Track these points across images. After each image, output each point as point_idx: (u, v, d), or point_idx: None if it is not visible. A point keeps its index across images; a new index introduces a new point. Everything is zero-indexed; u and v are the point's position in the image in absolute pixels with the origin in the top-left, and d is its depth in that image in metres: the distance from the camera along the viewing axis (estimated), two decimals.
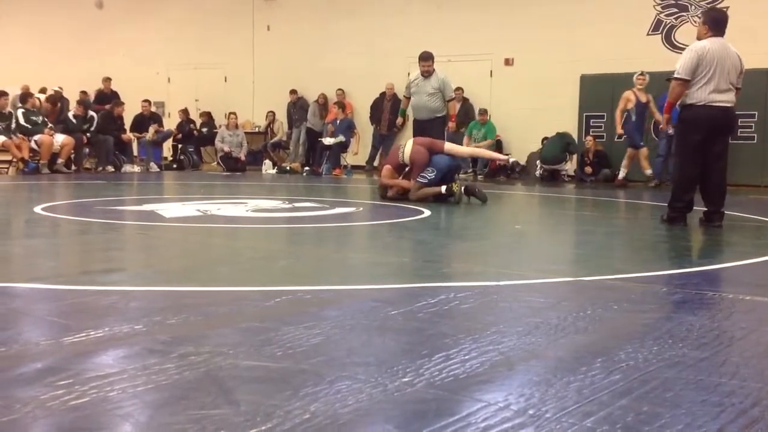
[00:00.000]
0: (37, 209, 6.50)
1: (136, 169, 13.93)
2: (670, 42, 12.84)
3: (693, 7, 12.68)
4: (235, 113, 15.44)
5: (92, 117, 13.62)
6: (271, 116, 16.27)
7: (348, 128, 14.15)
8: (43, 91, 15.60)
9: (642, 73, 11.39)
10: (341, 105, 14.35)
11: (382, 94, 14.80)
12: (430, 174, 7.81)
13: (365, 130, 15.08)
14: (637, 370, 2.11)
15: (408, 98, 9.38)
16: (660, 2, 13.03)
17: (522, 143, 14.02)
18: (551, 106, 13.56)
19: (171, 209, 6.81)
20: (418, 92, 9.10)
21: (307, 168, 14.41)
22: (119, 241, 5.22)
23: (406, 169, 8.04)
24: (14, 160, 12.33)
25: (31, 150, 12.33)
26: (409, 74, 10.34)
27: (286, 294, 3.11)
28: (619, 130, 11.58)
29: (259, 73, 16.81)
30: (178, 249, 4.76)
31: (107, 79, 15.67)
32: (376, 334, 2.48)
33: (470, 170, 13.31)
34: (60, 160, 12.57)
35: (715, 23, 5.92)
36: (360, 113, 15.32)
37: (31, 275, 3.63)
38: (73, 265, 4.11)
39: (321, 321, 2.60)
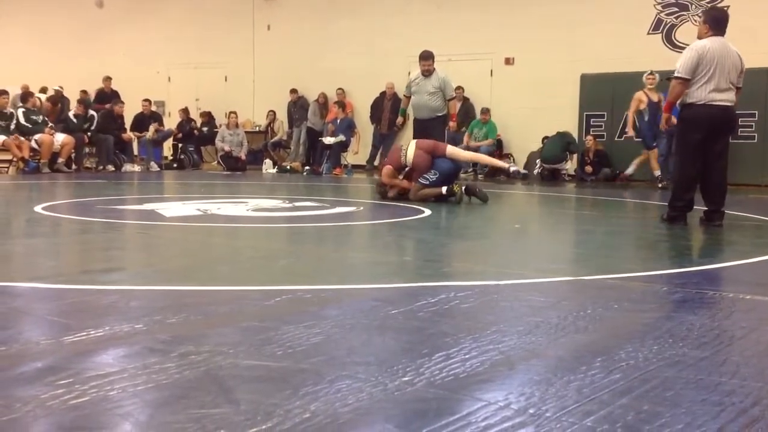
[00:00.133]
0: (38, 208, 6.50)
1: (137, 168, 13.94)
2: (670, 41, 12.84)
3: (693, 6, 12.68)
4: (235, 112, 15.45)
5: (92, 116, 13.62)
6: (272, 115, 16.27)
7: (348, 127, 14.15)
8: (43, 90, 15.61)
9: (651, 73, 11.35)
10: (341, 104, 14.35)
11: (383, 94, 14.80)
12: (432, 177, 7.82)
13: (365, 129, 15.08)
14: (637, 369, 2.11)
15: (408, 97, 9.37)
16: (660, 1, 13.03)
17: (522, 143, 14.03)
18: (551, 106, 13.55)
19: (171, 208, 6.82)
20: (419, 91, 9.09)
21: (307, 167, 14.41)
22: (119, 240, 5.22)
23: (406, 169, 8.03)
24: (14, 159, 12.33)
25: (32, 149, 12.33)
26: (409, 73, 10.34)
27: (287, 293, 3.11)
28: (631, 132, 11.54)
29: (260, 73, 16.81)
30: (179, 248, 4.76)
31: (107, 79, 15.67)
32: (377, 333, 2.48)
33: (470, 170, 13.31)
34: (60, 160, 12.57)
35: (716, 22, 5.92)
36: (360, 113, 15.33)
37: (32, 274, 3.64)
38: (74, 264, 4.11)
39: (321, 320, 2.60)
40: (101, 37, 18.00)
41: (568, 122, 13.43)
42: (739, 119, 10.90)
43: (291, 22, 16.26)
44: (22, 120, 12.41)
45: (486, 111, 13.69)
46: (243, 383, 1.93)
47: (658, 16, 13.02)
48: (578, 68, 13.25)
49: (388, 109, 14.48)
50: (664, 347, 2.35)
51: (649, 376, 2.05)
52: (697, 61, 5.78)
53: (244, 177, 13.03)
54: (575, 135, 13.30)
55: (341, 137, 13.88)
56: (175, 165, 15.20)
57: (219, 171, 14.52)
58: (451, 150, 8.11)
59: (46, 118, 13.12)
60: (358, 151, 14.70)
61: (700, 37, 5.98)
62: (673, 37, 12.84)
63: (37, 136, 12.30)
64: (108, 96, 15.13)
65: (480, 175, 13.28)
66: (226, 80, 17.19)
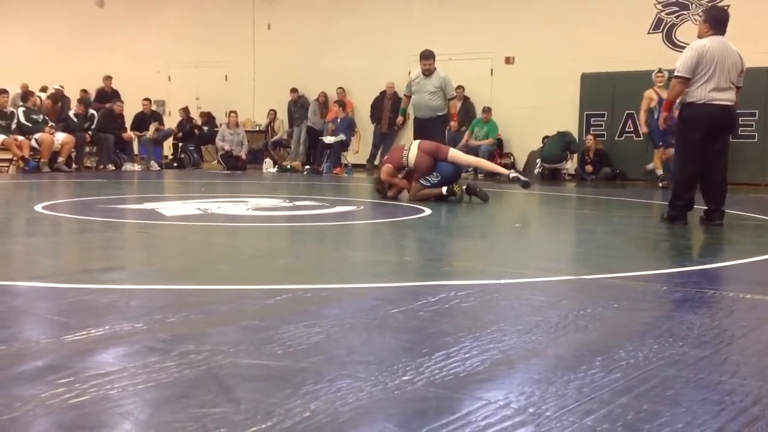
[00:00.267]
0: (38, 208, 6.50)
1: (137, 167, 13.94)
2: (670, 40, 12.84)
3: (693, 5, 12.68)
4: (235, 112, 15.45)
5: (93, 115, 13.63)
6: (272, 115, 16.28)
7: (349, 127, 14.15)
8: (44, 89, 15.62)
9: (660, 70, 11.33)
10: (342, 104, 14.35)
11: (383, 93, 14.81)
12: (434, 179, 7.82)
13: (366, 128, 15.08)
14: (637, 368, 2.11)
15: (408, 97, 9.37)
16: (661, 1, 13.03)
17: (523, 142, 14.03)
18: (552, 105, 13.56)
19: (172, 208, 6.82)
20: (419, 91, 9.09)
21: (307, 166, 14.41)
22: (120, 239, 5.22)
23: (406, 168, 8.03)
24: (15, 158, 12.33)
25: (32, 148, 12.33)
26: (409, 73, 10.34)
27: (287, 292, 3.11)
28: (645, 130, 11.53)
29: (260, 72, 16.81)
30: (179, 247, 4.76)
31: (108, 78, 15.67)
32: (377, 332, 2.48)
33: (470, 170, 13.30)
34: (60, 159, 12.57)
35: (716, 22, 5.92)
36: (360, 112, 15.33)
37: (32, 274, 3.64)
38: (74, 263, 4.11)
39: (321, 319, 2.61)
40: (102, 36, 18.00)
41: (569, 121, 13.43)
42: (740, 118, 10.90)
43: (291, 22, 16.26)
44: (22, 119, 12.41)
45: (487, 110, 13.69)
46: (243, 382, 1.93)
47: (658, 15, 13.02)
48: (578, 67, 13.25)
49: (388, 109, 14.49)
50: (664, 346, 2.35)
51: (649, 375, 2.05)
52: (697, 61, 5.78)
53: (244, 176, 13.03)
54: (575, 134, 13.31)
55: (341, 136, 13.88)
56: (175, 164, 15.21)
57: (219, 170, 14.52)
58: (453, 153, 8.10)
59: (47, 118, 13.12)
60: (359, 151, 14.71)
61: (700, 37, 5.97)
62: (673, 37, 12.84)
63: (37, 136, 12.30)
64: (108, 95, 15.14)
65: (480, 175, 13.27)
66: (226, 79, 17.19)
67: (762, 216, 7.11)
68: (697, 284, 3.60)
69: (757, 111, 11.91)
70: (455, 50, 13.43)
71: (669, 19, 12.95)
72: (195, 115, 16.41)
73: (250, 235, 5.55)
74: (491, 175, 13.05)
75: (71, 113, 13.61)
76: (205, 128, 15.99)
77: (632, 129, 13.11)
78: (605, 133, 13.25)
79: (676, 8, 12.89)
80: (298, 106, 15.82)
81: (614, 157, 12.95)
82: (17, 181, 10.73)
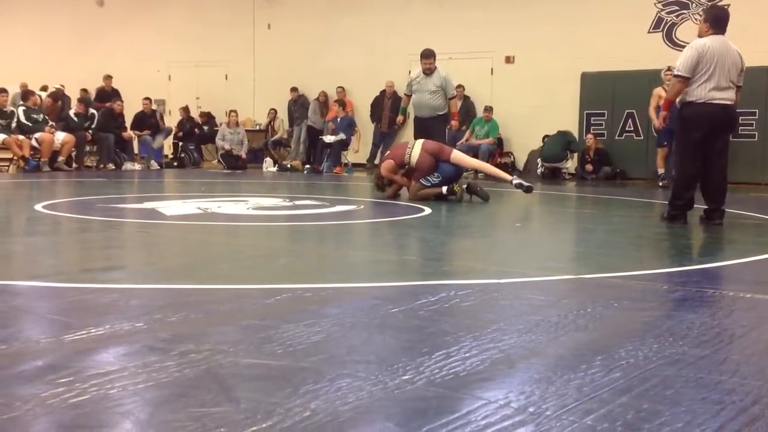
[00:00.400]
0: (38, 207, 6.50)
1: (137, 167, 13.94)
2: (671, 40, 12.84)
3: (694, 4, 12.67)
4: (235, 111, 15.45)
5: (93, 115, 13.63)
6: (272, 114, 16.27)
7: (349, 126, 14.15)
8: (44, 89, 15.61)
9: (669, 69, 11.30)
10: (342, 103, 14.34)
11: (383, 92, 14.80)
12: (434, 179, 7.82)
13: (366, 128, 15.08)
14: (637, 367, 2.11)
15: (409, 96, 9.36)
16: (661, 0, 13.02)
17: (523, 141, 14.03)
18: (552, 104, 13.55)
19: (172, 207, 6.82)
20: (420, 90, 9.08)
21: (307, 166, 14.40)
22: (120, 238, 5.22)
23: (407, 166, 8.02)
24: (15, 158, 12.33)
25: (32, 148, 12.33)
26: (410, 72, 10.33)
27: (287, 292, 3.11)
28: (659, 124, 11.50)
29: (260, 71, 16.81)
30: (179, 247, 4.76)
31: (108, 77, 15.66)
32: (377, 331, 2.48)
33: (468, 170, 13.28)
34: (61, 158, 12.57)
35: (716, 21, 5.92)
36: (361, 111, 15.32)
37: (32, 273, 3.64)
38: (74, 262, 4.11)
39: (321, 319, 2.61)
40: (102, 35, 18.00)
41: (569, 121, 13.43)
42: (740, 118, 10.89)
43: (291, 21, 16.26)
44: (22, 118, 12.41)
45: (489, 109, 13.69)
46: (243, 382, 1.93)
47: (658, 14, 13.01)
48: (579, 67, 13.25)
49: (388, 108, 14.48)
50: (664, 346, 2.36)
51: (649, 375, 2.05)
52: (697, 60, 5.78)
53: (244, 175, 13.03)
54: (576, 133, 13.31)
55: (342, 136, 13.87)
56: (175, 164, 15.20)
57: (219, 169, 14.51)
58: (456, 155, 8.09)
59: (47, 117, 13.12)
60: (359, 150, 14.70)
61: (700, 36, 5.97)
62: (673, 36, 12.84)
63: (37, 135, 12.30)
64: (108, 94, 15.13)
65: (480, 174, 13.26)
66: (226, 79, 17.18)
67: (762, 215, 7.11)
68: (697, 283, 3.60)
69: (757, 110, 11.91)
70: (455, 49, 13.42)
71: (669, 19, 12.94)
72: (195, 114, 16.41)
73: (250, 234, 5.55)
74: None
75: (71, 112, 13.61)
76: (205, 128, 15.99)
77: (632, 128, 13.11)
78: (605, 132, 13.24)
79: (677, 7, 12.89)
80: (298, 105, 15.82)
81: (614, 156, 12.95)
82: (17, 181, 10.73)
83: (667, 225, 5.97)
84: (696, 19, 11.82)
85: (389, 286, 3.36)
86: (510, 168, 13.36)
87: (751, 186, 11.31)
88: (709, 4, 11.94)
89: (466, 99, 14.13)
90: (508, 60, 14.31)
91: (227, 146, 14.87)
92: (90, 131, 13.41)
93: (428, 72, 9.02)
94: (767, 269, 4.19)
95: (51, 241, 4.95)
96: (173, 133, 15.61)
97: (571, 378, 2.00)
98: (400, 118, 10.18)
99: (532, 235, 6.10)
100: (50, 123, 12.83)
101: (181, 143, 15.71)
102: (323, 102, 15.45)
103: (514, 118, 13.93)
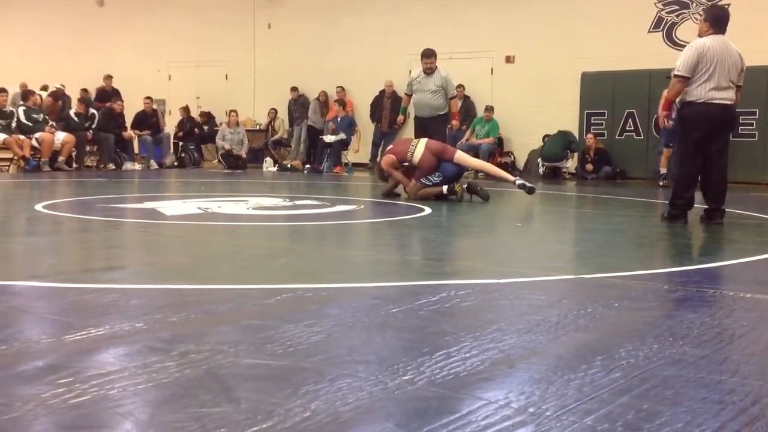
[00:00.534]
0: (38, 207, 6.50)
1: (137, 166, 13.94)
2: (671, 39, 12.83)
3: (694, 4, 12.67)
4: (236, 111, 15.45)
5: (93, 115, 13.63)
6: (272, 114, 16.27)
7: (349, 126, 14.15)
8: (44, 89, 15.62)
9: None
10: (342, 103, 14.34)
11: (382, 92, 14.79)
12: (436, 179, 7.82)
13: (366, 127, 15.08)
14: (637, 368, 2.11)
15: (409, 96, 9.36)
16: (661, 0, 13.04)
17: (523, 141, 14.03)
18: (552, 104, 13.56)
19: (172, 207, 6.82)
20: (421, 89, 9.08)
21: (308, 165, 14.40)
22: (120, 238, 5.22)
23: (408, 164, 8.00)
24: (15, 157, 12.33)
25: (32, 148, 12.33)
26: (410, 72, 10.33)
27: (287, 292, 3.11)
28: (663, 123, 11.48)
29: (260, 71, 16.81)
30: (179, 247, 4.76)
31: (108, 77, 15.67)
32: (377, 331, 2.48)
33: (468, 170, 13.27)
34: (61, 158, 12.57)
35: (717, 21, 5.92)
36: (361, 111, 15.32)
37: (32, 273, 3.64)
38: (74, 262, 4.11)
39: (322, 319, 2.61)
40: (102, 35, 17.99)
41: (569, 120, 13.43)
42: (740, 117, 10.89)
43: (292, 21, 16.26)
44: (22, 118, 12.41)
45: (489, 109, 13.69)
46: (243, 382, 1.93)
47: (658, 14, 13.01)
48: (579, 66, 13.25)
49: (388, 108, 14.48)
50: (664, 346, 2.35)
51: (649, 375, 2.05)
52: (697, 60, 5.78)
53: (244, 175, 13.03)
54: (576, 133, 13.31)
55: (342, 135, 13.87)
56: (175, 163, 15.20)
57: (219, 169, 14.52)
58: (459, 156, 8.09)
59: (47, 116, 13.12)
60: (359, 150, 14.70)
61: (700, 36, 5.97)
62: (673, 35, 12.83)
63: (37, 135, 12.30)
64: (109, 94, 15.13)
65: (481, 174, 13.26)
66: (226, 78, 17.18)
67: (762, 215, 7.11)
68: (698, 283, 3.60)
69: (757, 110, 11.91)
70: (456, 49, 13.42)
71: (669, 18, 12.94)
72: (195, 114, 16.41)
73: (250, 234, 5.55)
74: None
75: (72, 112, 13.61)
76: (206, 127, 15.99)
77: (632, 128, 13.12)
78: (605, 131, 13.24)
79: (677, 7, 12.88)
80: (298, 105, 15.82)
81: (614, 155, 12.95)
82: (18, 181, 10.73)
83: (668, 225, 5.97)
84: (696, 19, 11.82)
85: (389, 286, 3.36)
86: (510, 168, 13.36)
87: (751, 186, 11.31)
88: (710, 3, 11.93)
89: (466, 99, 14.12)
90: (508, 60, 14.30)
91: (227, 146, 14.88)
92: (90, 131, 13.41)
93: (429, 72, 9.02)
94: (767, 269, 4.19)
95: (51, 241, 4.95)
96: (173, 133, 15.62)
97: (571, 378, 2.00)
98: (400, 117, 10.18)
99: (533, 234, 6.09)
100: (50, 123, 12.83)
101: (181, 143, 15.71)
102: (323, 102, 15.45)
103: (514, 117, 13.93)
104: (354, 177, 13.01)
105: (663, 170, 11.63)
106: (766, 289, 3.52)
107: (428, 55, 9.04)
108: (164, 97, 17.44)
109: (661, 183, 11.41)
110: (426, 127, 8.97)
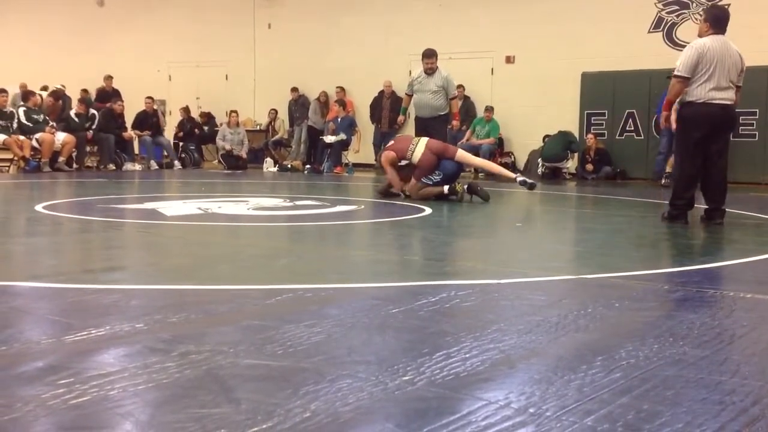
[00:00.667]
0: (39, 207, 6.50)
1: (137, 167, 13.94)
2: (671, 39, 12.83)
3: (694, 4, 12.67)
4: (236, 111, 15.45)
5: (93, 115, 13.64)
6: (273, 114, 16.27)
7: (349, 126, 14.14)
8: (45, 89, 15.62)
9: None
10: (342, 103, 14.34)
11: (381, 93, 14.79)
12: (436, 177, 7.81)
13: (366, 128, 15.07)
14: (637, 368, 2.11)
15: (410, 96, 9.36)
16: (661, 0, 13.02)
17: (523, 141, 14.03)
18: (552, 104, 13.56)
19: (172, 207, 6.82)
20: (421, 90, 9.08)
21: (308, 166, 14.40)
22: (120, 239, 5.22)
23: (407, 162, 7.98)
24: (15, 158, 12.33)
25: (33, 148, 12.34)
26: (410, 72, 10.33)
27: (287, 292, 3.11)
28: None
29: (261, 71, 16.81)
30: (179, 247, 4.76)
31: (108, 77, 15.67)
32: (377, 332, 2.48)
33: (468, 170, 13.27)
34: (61, 159, 12.57)
35: (717, 21, 5.92)
36: (361, 111, 15.32)
37: (32, 273, 3.64)
38: (75, 263, 4.11)
39: (322, 319, 2.61)
40: (102, 35, 17.99)
41: (569, 120, 13.43)
42: (740, 117, 10.88)
43: (292, 21, 16.26)
44: (23, 119, 12.41)
45: (489, 109, 13.69)
46: (243, 382, 1.93)
47: (659, 14, 13.01)
48: (579, 66, 13.24)
49: (387, 108, 14.47)
50: (664, 346, 2.35)
51: (649, 375, 2.05)
52: (696, 60, 5.78)
53: (244, 176, 13.03)
54: (576, 133, 13.31)
55: (342, 136, 13.87)
56: (179, 167, 15.20)
57: (220, 170, 14.52)
58: (460, 154, 8.09)
59: (47, 117, 13.12)
60: (359, 150, 14.70)
61: (700, 36, 5.97)
62: (674, 36, 12.83)
63: (38, 135, 12.30)
64: (109, 95, 15.13)
65: (481, 174, 13.26)
66: (226, 79, 17.19)
67: (762, 215, 7.10)
68: (698, 284, 3.60)
69: (757, 110, 11.90)
70: (456, 49, 13.41)
71: (669, 18, 12.94)
72: (195, 114, 16.42)
73: (250, 234, 5.55)
74: (493, 175, 13.04)
75: (72, 113, 13.62)
76: (206, 128, 15.99)
77: (633, 128, 13.12)
78: (606, 132, 13.24)
79: (677, 7, 12.88)
80: (298, 105, 15.82)
81: (615, 156, 12.95)
82: (18, 181, 10.73)
83: (668, 225, 5.97)
84: (696, 19, 11.81)
85: (389, 286, 3.36)
86: (510, 168, 13.35)
87: (752, 186, 11.30)
88: (710, 3, 11.93)
89: (466, 99, 14.12)
90: (509, 60, 14.30)
91: (228, 146, 14.88)
92: (90, 132, 13.41)
93: (430, 72, 9.03)
94: (767, 269, 4.20)
95: (51, 242, 4.95)
96: (174, 133, 15.62)
97: (571, 378, 2.00)
98: (401, 118, 10.18)
99: (533, 235, 6.09)
100: (51, 123, 12.83)
101: (181, 143, 15.72)
102: (324, 102, 15.45)
103: (514, 117, 13.93)
104: (354, 177, 13.01)
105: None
106: (767, 289, 3.52)
107: (429, 55, 9.04)
108: (164, 98, 17.44)
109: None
110: (427, 127, 8.97)
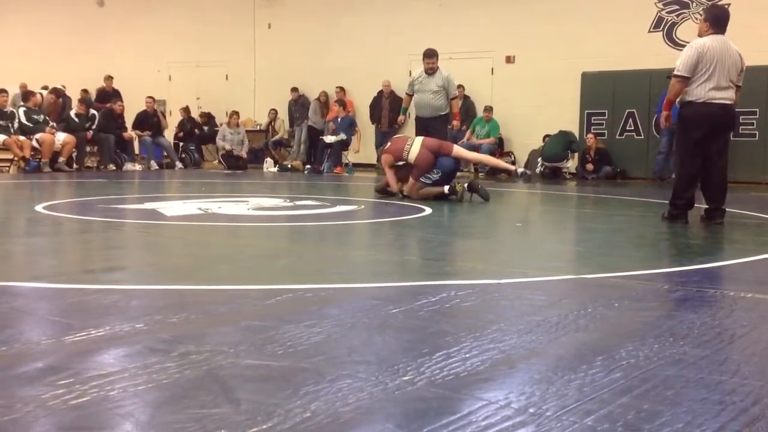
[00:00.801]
0: (39, 208, 6.50)
1: (138, 167, 13.94)
2: (671, 39, 12.84)
3: (694, 4, 12.67)
4: (236, 111, 15.45)
5: (94, 115, 13.64)
6: (273, 114, 16.28)
7: (349, 126, 14.15)
8: (45, 89, 15.62)
9: None
10: (342, 103, 14.34)
11: (380, 92, 14.79)
12: (434, 176, 7.81)
13: (366, 128, 15.08)
14: (637, 368, 2.11)
15: (410, 96, 9.36)
16: None
17: (523, 141, 14.04)
18: (552, 104, 13.56)
19: (172, 207, 6.82)
20: (422, 89, 9.08)
21: (308, 166, 14.41)
22: (120, 239, 5.22)
23: (405, 162, 7.98)
24: (15, 158, 12.33)
25: (33, 148, 12.34)
26: (410, 72, 10.32)
27: (287, 292, 3.11)
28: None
29: (261, 71, 16.81)
30: (180, 247, 4.76)
31: (109, 78, 15.67)
32: (377, 332, 2.48)
33: (466, 169, 13.28)
34: (61, 159, 12.57)
35: (717, 20, 5.92)
36: (361, 111, 15.32)
37: (33, 274, 3.64)
38: (75, 263, 4.11)
39: (322, 319, 2.60)
40: (102, 35, 18.00)
41: (569, 120, 13.43)
42: (740, 117, 10.89)
43: (292, 21, 16.26)
44: (23, 119, 12.42)
45: (489, 109, 13.69)
46: (244, 383, 1.93)
47: (659, 14, 13.01)
48: (579, 66, 13.25)
49: (386, 108, 14.47)
50: (664, 346, 2.35)
51: (649, 375, 2.05)
52: (696, 59, 5.78)
53: (245, 176, 13.03)
54: (576, 133, 13.31)
55: (342, 136, 13.87)
56: (180, 167, 15.21)
57: (220, 170, 14.52)
58: (457, 150, 8.10)
59: (47, 117, 13.13)
60: (359, 150, 14.70)
61: (700, 35, 5.97)
62: (674, 35, 12.84)
63: (38, 136, 12.30)
64: (109, 95, 15.14)
65: (481, 174, 13.27)
66: (227, 79, 17.19)
67: (762, 215, 7.10)
68: (698, 283, 3.60)
69: (757, 109, 11.91)
70: (456, 49, 13.41)
71: (669, 18, 12.94)
72: (195, 114, 16.42)
73: (250, 234, 5.55)
74: (493, 174, 13.05)
75: (72, 113, 13.62)
76: (206, 128, 15.99)
77: (633, 128, 13.12)
78: (606, 131, 13.25)
79: (677, 7, 12.89)
80: (298, 105, 15.82)
81: (615, 155, 12.95)
82: (18, 181, 10.73)
83: (668, 224, 5.97)
84: (696, 19, 11.81)
85: (389, 286, 3.36)
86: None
87: (752, 185, 11.30)
88: (710, 3, 11.93)
89: (466, 99, 14.12)
90: (509, 60, 14.31)
91: (228, 146, 14.88)
92: (90, 132, 13.41)
93: (430, 72, 9.03)
94: (767, 269, 4.19)
95: (52, 242, 4.95)
96: (174, 133, 15.62)
97: (571, 378, 2.00)
98: (401, 117, 10.17)
99: (533, 235, 6.09)
100: (51, 123, 12.83)
101: (181, 144, 15.72)
102: (324, 102, 15.45)
103: (514, 117, 13.93)
104: (354, 177, 13.00)
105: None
106: (767, 289, 3.52)
107: (430, 55, 9.04)
108: (164, 98, 17.45)
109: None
110: (427, 127, 8.97)
